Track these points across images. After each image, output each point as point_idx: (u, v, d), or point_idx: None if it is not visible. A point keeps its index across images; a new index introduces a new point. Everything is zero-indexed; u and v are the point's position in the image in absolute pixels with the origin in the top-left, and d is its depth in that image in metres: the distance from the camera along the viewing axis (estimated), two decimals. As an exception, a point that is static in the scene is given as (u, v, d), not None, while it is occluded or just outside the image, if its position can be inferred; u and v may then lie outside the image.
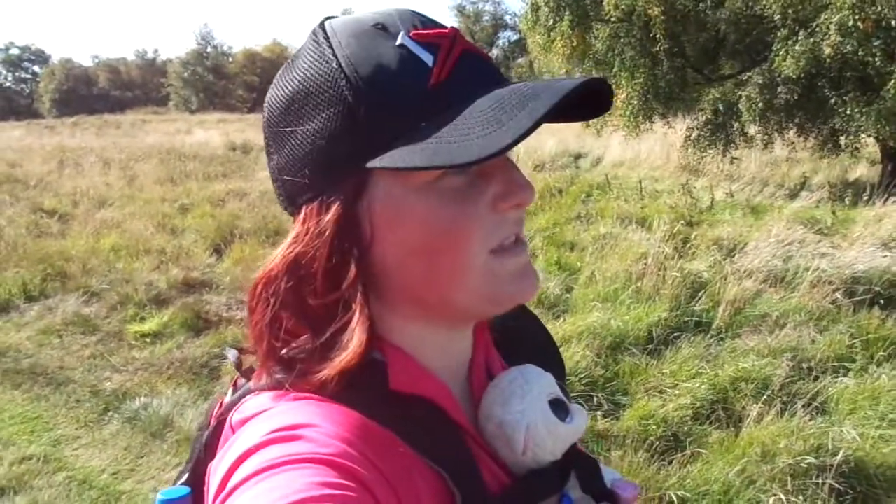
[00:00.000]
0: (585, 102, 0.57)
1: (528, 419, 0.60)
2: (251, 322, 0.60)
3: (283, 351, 0.58)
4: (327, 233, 0.55)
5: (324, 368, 0.55)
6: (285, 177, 0.59)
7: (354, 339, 0.55)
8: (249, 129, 24.13)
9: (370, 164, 0.53)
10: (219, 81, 54.79)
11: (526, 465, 0.61)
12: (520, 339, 0.75)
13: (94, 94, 63.94)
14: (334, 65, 0.54)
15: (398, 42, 0.55)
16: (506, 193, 0.56)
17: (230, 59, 58.07)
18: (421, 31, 0.56)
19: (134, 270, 6.03)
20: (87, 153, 14.87)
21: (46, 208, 8.84)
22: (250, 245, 6.59)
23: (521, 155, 11.47)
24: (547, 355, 0.74)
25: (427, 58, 0.54)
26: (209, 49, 56.65)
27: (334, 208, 0.55)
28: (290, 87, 0.57)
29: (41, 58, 77.08)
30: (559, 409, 0.63)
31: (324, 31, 0.57)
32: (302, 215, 0.57)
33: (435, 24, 0.58)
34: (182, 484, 0.64)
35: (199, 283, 5.72)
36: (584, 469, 0.66)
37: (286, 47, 57.18)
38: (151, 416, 3.71)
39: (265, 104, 0.61)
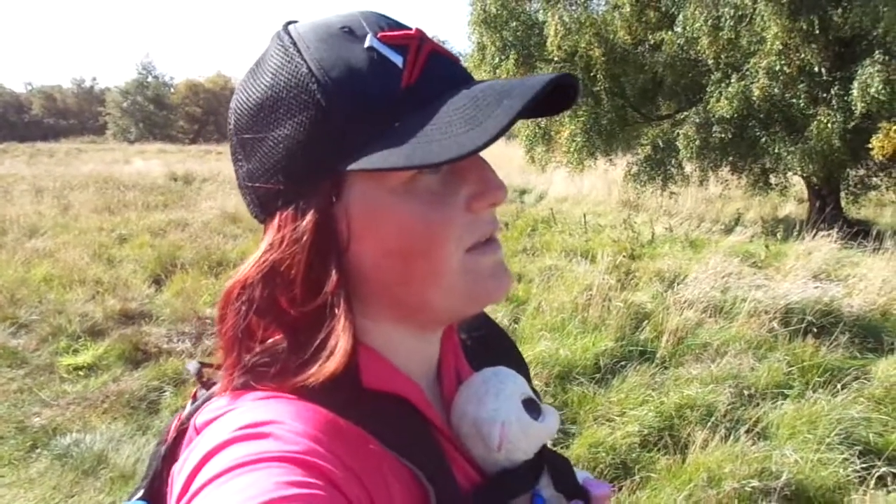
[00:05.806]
0: (553, 98, 0.58)
1: (503, 416, 0.61)
2: (220, 330, 0.58)
3: (254, 359, 0.56)
4: (305, 238, 0.54)
5: (307, 374, 0.53)
6: (257, 184, 0.57)
7: (340, 345, 0.54)
8: (191, 159, 23.70)
9: (350, 167, 0.52)
10: (159, 112, 53.50)
11: (499, 464, 0.61)
12: (485, 344, 0.76)
13: (25, 121, 61.44)
14: (304, 69, 0.53)
15: (367, 44, 0.54)
16: (480, 193, 0.57)
17: (172, 90, 56.95)
18: (388, 33, 0.55)
19: (67, 301, 5.76)
20: (17, 181, 14.29)
21: (-30, 237, 8.42)
22: (192, 276, 6.40)
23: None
24: (511, 360, 0.75)
25: (397, 59, 0.54)
26: (150, 79, 55.45)
27: (311, 213, 0.54)
28: (257, 93, 0.56)
29: (-32, 83, 74.37)
30: (532, 408, 0.64)
31: (289, 35, 0.56)
32: (276, 222, 0.56)
33: (400, 26, 0.57)
34: (138, 499, 0.62)
35: (138, 314, 5.50)
36: (556, 468, 0.66)
37: (230, 78, 56.62)
38: (84, 452, 3.51)
39: (230, 111, 0.59)
